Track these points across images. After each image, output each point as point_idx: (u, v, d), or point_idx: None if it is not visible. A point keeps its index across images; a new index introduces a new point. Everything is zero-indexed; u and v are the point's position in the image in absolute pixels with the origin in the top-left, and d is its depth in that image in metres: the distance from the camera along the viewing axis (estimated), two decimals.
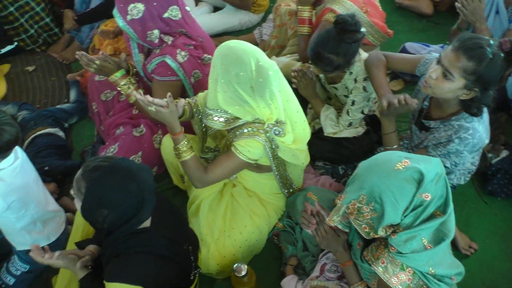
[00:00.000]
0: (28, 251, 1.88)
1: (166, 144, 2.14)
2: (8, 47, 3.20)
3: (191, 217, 2.02)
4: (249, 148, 1.67)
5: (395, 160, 1.24)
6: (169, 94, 1.60)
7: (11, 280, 1.94)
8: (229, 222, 1.97)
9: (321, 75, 2.20)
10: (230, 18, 3.20)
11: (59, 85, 3.08)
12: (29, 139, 2.50)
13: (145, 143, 2.30)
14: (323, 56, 1.89)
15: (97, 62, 1.99)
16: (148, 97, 1.61)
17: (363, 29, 1.89)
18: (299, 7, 2.44)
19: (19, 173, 1.70)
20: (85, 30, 3.18)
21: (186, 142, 1.67)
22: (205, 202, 1.99)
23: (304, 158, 1.88)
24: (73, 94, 2.93)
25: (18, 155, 1.71)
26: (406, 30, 3.09)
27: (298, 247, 1.93)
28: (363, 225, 1.31)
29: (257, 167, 1.89)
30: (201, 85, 2.16)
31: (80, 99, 2.88)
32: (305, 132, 1.80)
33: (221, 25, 3.19)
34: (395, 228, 1.28)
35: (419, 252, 1.26)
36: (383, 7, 2.47)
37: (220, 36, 3.11)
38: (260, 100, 1.60)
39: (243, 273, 1.66)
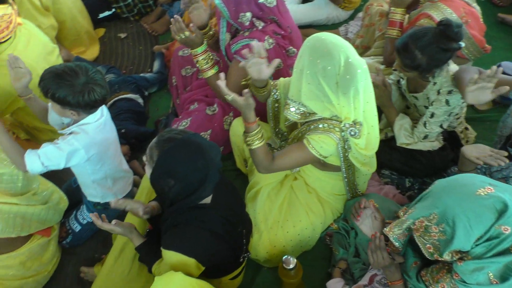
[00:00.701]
0: (96, 203, 2.03)
1: (236, 127, 2.18)
2: (106, 13, 3.40)
3: (248, 202, 2.05)
4: (322, 143, 1.66)
5: (478, 185, 1.17)
6: (246, 90, 1.61)
7: (77, 227, 2.10)
8: (284, 214, 1.98)
9: (402, 82, 2.11)
10: (319, 11, 3.16)
11: (145, 54, 3.24)
12: (111, 101, 2.67)
13: (216, 123, 2.36)
14: (409, 48, 1.80)
15: (186, 33, 2.05)
16: (228, 92, 1.62)
17: (462, 43, 1.78)
18: (392, 8, 2.35)
19: (102, 130, 1.81)
20: (176, 6, 3.31)
21: (258, 131, 1.68)
22: (265, 189, 2.01)
23: (371, 165, 1.83)
24: (156, 65, 3.07)
25: (103, 113, 1.83)
26: (505, 47, 2.86)
27: (350, 252, 1.89)
28: (428, 245, 1.25)
29: (322, 164, 1.87)
30: (280, 76, 2.16)
31: (162, 70, 3.01)
32: (377, 139, 1.74)
33: (308, 17, 3.16)
34: (463, 255, 1.21)
35: (484, 285, 1.18)
36: (483, 19, 2.31)
37: (305, 28, 3.09)
38: (342, 97, 1.57)
39: (291, 266, 1.66)
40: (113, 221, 1.63)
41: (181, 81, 2.66)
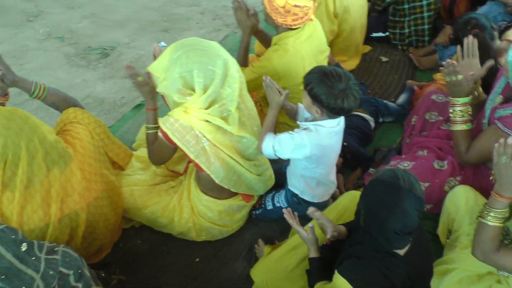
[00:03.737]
0: (294, 194, 2.16)
1: (459, 194, 1.98)
2: (379, 34, 3.52)
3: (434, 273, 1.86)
4: None
5: None
6: None
7: (269, 206, 2.28)
8: None
9: None
10: None
11: (396, 84, 3.24)
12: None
13: (438, 179, 2.19)
14: None
15: (460, 76, 1.96)
16: None
17: None
18: None
19: (332, 137, 1.90)
20: (452, 49, 3.16)
21: (506, 211, 1.49)
22: (459, 273, 1.78)
23: None
24: (402, 98, 3.03)
25: (340, 124, 1.91)
26: None
27: None
28: None
29: None
30: None
31: (406, 105, 2.96)
32: None
33: None
34: None
35: None
36: None
37: None
38: None
39: None
40: (310, 224, 1.69)
41: (421, 123, 2.56)
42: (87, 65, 3.56)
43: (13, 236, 1.29)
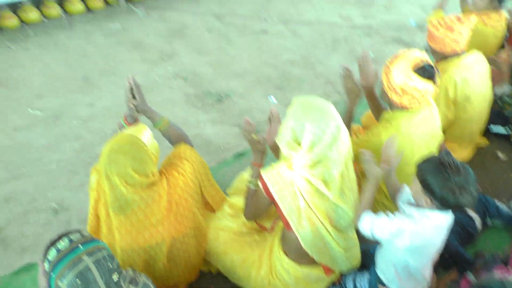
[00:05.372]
0: (380, 280, 2.03)
1: None
2: (499, 129, 3.29)
3: None
4: None
5: None
6: None
7: (349, 286, 2.15)
8: None
9: None
10: None
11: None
12: None
13: None
14: None
15: None
16: None
17: None
18: None
19: (438, 232, 1.77)
20: None
21: None
22: None
23: None
24: None
25: (448, 219, 1.78)
26: None
27: None
28: None
29: None
30: None
31: None
32: None
33: None
34: None
35: None
36: None
37: None
38: None
39: None
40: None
41: None
42: (202, 107, 3.85)
43: (110, 266, 1.39)
